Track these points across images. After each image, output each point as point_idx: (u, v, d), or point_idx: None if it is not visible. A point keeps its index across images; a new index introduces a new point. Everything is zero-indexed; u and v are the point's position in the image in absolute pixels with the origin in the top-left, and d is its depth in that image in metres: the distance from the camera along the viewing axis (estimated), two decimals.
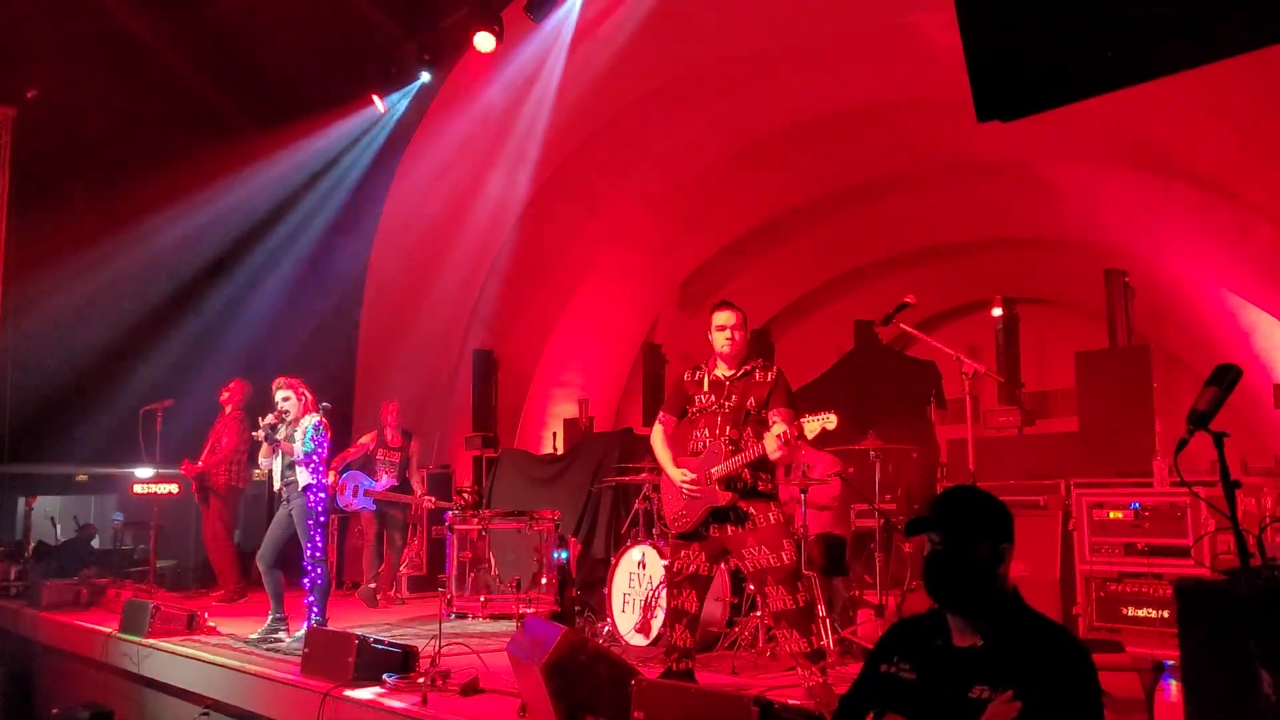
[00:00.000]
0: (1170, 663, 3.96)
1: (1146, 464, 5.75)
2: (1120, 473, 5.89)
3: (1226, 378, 2.37)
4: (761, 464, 4.57)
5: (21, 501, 11.28)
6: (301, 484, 6.33)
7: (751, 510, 4.54)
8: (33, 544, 10.51)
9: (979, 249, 10.45)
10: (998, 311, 9.05)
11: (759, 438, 4.50)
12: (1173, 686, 4.56)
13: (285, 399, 6.47)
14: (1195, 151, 7.27)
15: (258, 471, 8.49)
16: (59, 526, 11.01)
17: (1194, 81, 6.36)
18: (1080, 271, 9.21)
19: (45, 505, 11.38)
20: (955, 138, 8.52)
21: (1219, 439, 2.29)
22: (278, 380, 6.56)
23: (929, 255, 10.74)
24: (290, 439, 6.41)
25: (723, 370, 4.73)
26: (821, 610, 5.52)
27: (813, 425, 4.31)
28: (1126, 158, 7.83)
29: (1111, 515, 5.52)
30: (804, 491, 5.90)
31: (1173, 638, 5.02)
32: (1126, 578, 5.43)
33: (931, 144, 8.86)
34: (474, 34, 9.00)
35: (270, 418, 6.40)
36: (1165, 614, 5.19)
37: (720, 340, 4.69)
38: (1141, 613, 5.30)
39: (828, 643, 5.29)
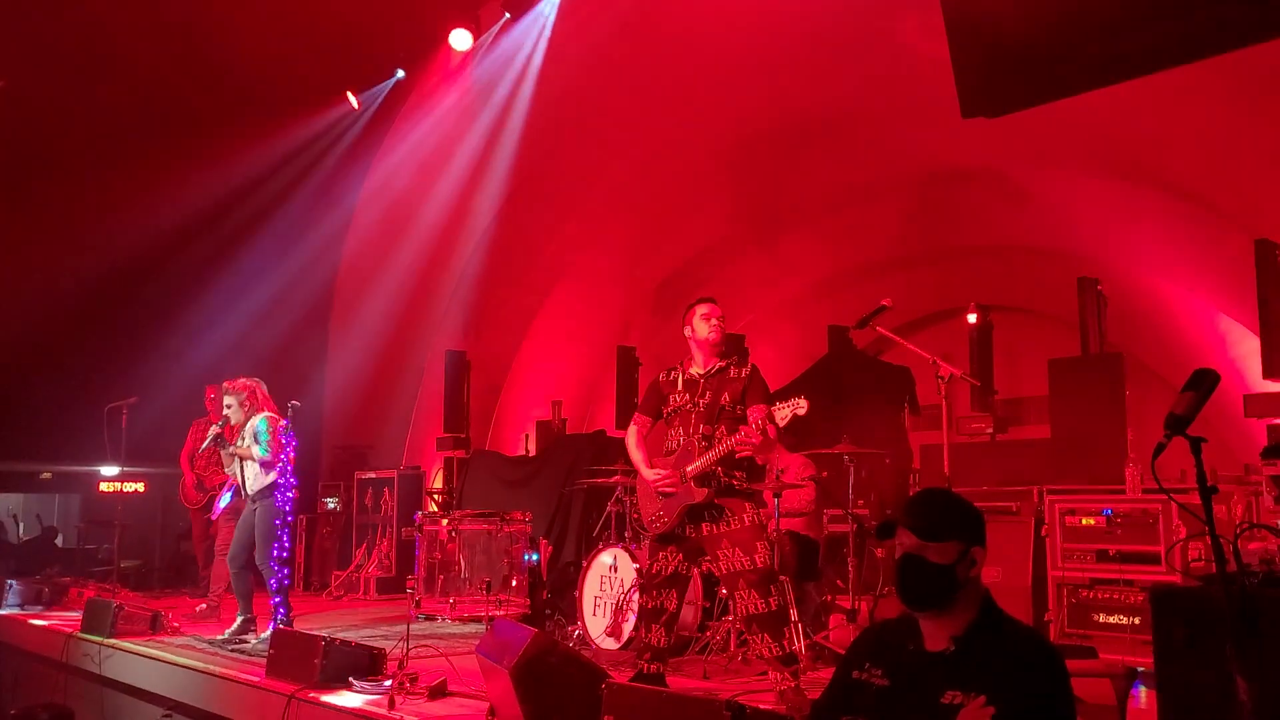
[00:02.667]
0: (1142, 669, 3.96)
1: (1119, 471, 5.77)
2: (1093, 479, 5.92)
3: (1205, 382, 2.36)
4: (736, 461, 4.53)
5: None
6: (264, 485, 6.26)
7: (728, 508, 4.51)
8: None
9: (953, 256, 10.49)
10: (972, 318, 9.09)
11: (732, 434, 4.47)
12: (1142, 693, 4.57)
13: (228, 406, 6.46)
14: (1167, 159, 7.33)
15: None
16: (21, 524, 10.82)
17: (1166, 88, 6.41)
18: (1053, 279, 9.25)
19: (7, 503, 11.18)
20: (930, 144, 8.55)
21: (1196, 444, 2.28)
22: (225, 384, 6.54)
23: (903, 262, 10.77)
24: (240, 442, 6.35)
25: (697, 369, 4.70)
26: (793, 615, 5.49)
27: (783, 412, 4.28)
28: (1100, 165, 7.89)
29: (1084, 522, 5.53)
30: (777, 495, 5.88)
31: (1144, 644, 5.07)
32: (1098, 584, 5.44)
33: (907, 150, 8.89)
34: (450, 31, 8.94)
35: (215, 427, 6.43)
36: (1137, 620, 5.20)
37: (705, 329, 4.66)
38: (1113, 619, 5.32)
39: (799, 647, 5.27)
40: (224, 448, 6.46)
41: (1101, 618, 5.37)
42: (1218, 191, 7.29)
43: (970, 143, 8.29)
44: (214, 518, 7.44)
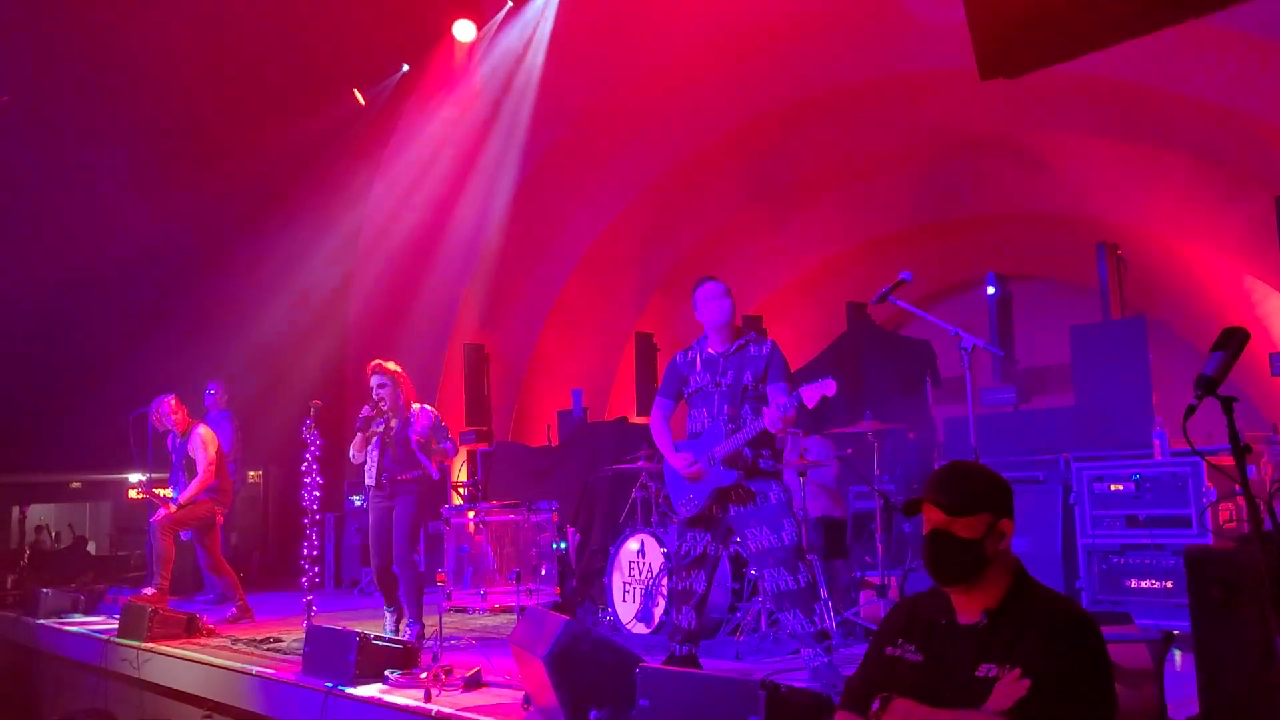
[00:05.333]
0: (1178, 633, 3.94)
1: (1145, 435, 5.73)
2: (1119, 445, 5.87)
3: (1234, 341, 2.32)
4: (762, 440, 4.53)
5: (15, 510, 11.22)
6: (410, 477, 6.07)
7: (755, 489, 4.50)
8: (28, 552, 10.46)
9: (969, 226, 10.42)
10: (991, 289, 9.01)
11: (758, 414, 4.45)
12: (1177, 656, 4.54)
13: (380, 386, 6.11)
14: (1184, 119, 7.25)
15: None
16: (54, 534, 10.95)
17: (1181, 48, 6.33)
18: (1072, 245, 9.18)
19: (40, 513, 11.32)
20: (941, 114, 8.48)
21: (1228, 404, 2.25)
22: (374, 363, 6.19)
23: (919, 234, 10.71)
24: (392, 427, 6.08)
25: (715, 347, 4.68)
26: (823, 592, 5.49)
27: (811, 393, 4.27)
28: (1116, 128, 7.81)
29: (1112, 488, 5.49)
30: (802, 475, 5.88)
31: (1177, 608, 5.05)
32: (1129, 549, 5.40)
33: (918, 121, 8.83)
34: (453, 23, 8.93)
35: (367, 408, 6.10)
36: (1169, 584, 5.17)
37: (712, 310, 4.63)
38: (1145, 584, 5.29)
39: (831, 624, 5.27)
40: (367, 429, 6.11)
41: (1133, 583, 5.34)
42: (1237, 150, 7.20)
43: (982, 110, 8.22)
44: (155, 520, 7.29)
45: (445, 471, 6.22)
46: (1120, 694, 2.38)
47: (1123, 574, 5.38)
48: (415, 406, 6.17)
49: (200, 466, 7.33)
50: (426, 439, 6.08)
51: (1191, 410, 2.32)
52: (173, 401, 7.58)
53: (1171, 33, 6.09)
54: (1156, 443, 5.58)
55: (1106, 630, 2.36)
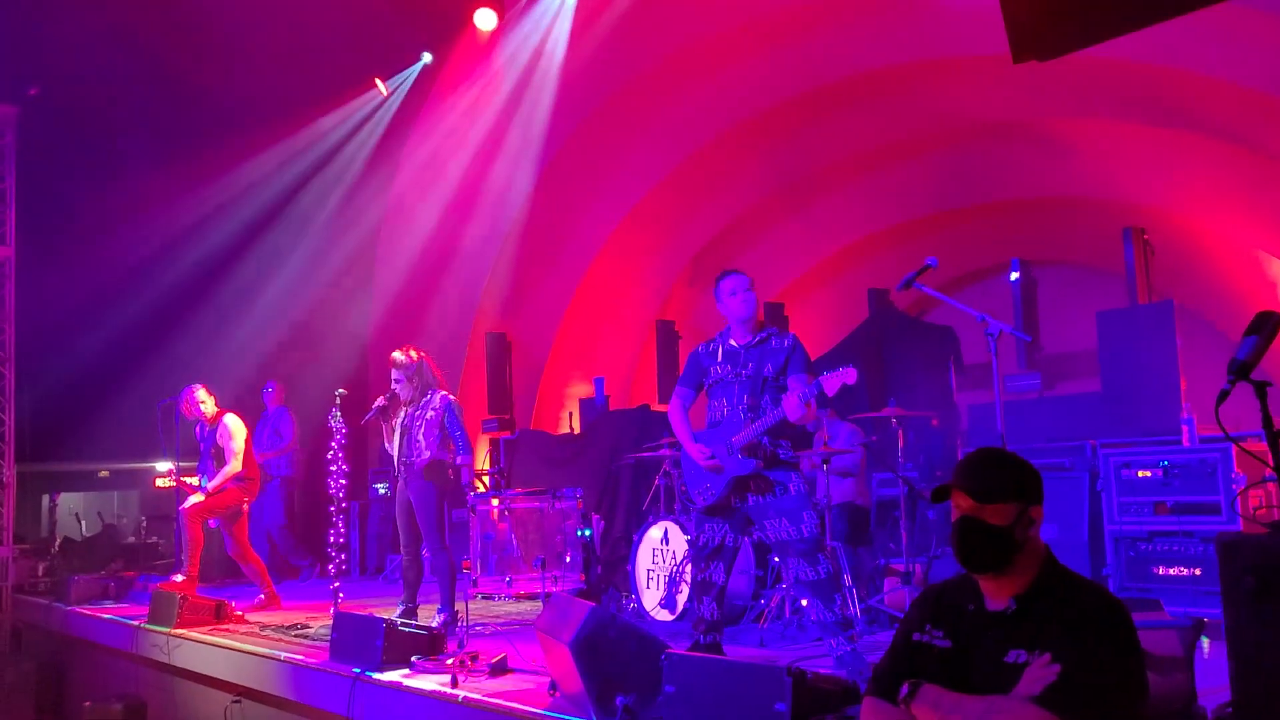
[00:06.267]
0: (1208, 620, 3.91)
1: (1174, 421, 5.68)
2: (1146, 431, 5.82)
3: (1267, 325, 2.30)
4: (781, 429, 4.52)
5: (46, 499, 11.37)
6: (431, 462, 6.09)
7: (774, 478, 4.50)
8: (59, 540, 10.60)
9: (992, 212, 10.33)
10: (1014, 275, 8.94)
11: (777, 404, 4.45)
12: (1205, 644, 4.51)
13: (396, 380, 6.17)
14: (1213, 102, 7.14)
15: None
16: (84, 522, 11.09)
17: (1209, 30, 6.25)
18: (1098, 230, 9.09)
19: (70, 502, 11.46)
20: (963, 99, 8.41)
21: (1262, 389, 2.23)
22: (394, 354, 6.25)
23: (942, 220, 10.63)
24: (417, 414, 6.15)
25: (737, 340, 4.68)
26: (847, 580, 5.49)
27: (832, 381, 4.25)
28: (1141, 112, 7.71)
29: (1140, 474, 5.45)
30: (826, 462, 5.87)
31: (1205, 595, 5.01)
32: (1157, 536, 5.36)
33: (942, 106, 8.75)
34: (474, 11, 8.93)
35: (382, 399, 6.19)
36: (1198, 571, 5.13)
37: (734, 304, 4.63)
38: (1173, 571, 5.25)
39: (855, 611, 5.26)
40: (386, 419, 6.20)
41: (1161, 570, 5.30)
42: (1266, 133, 7.10)
43: (1006, 95, 8.14)
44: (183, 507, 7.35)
45: (467, 459, 6.19)
46: (1151, 680, 2.37)
47: (1150, 561, 5.34)
48: (437, 393, 6.19)
49: (228, 455, 7.39)
50: (439, 424, 6.10)
51: (1224, 395, 2.31)
52: (201, 391, 7.64)
53: (1199, 14, 6.01)
54: (1185, 429, 5.53)
55: (1137, 617, 2.34)
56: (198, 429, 7.70)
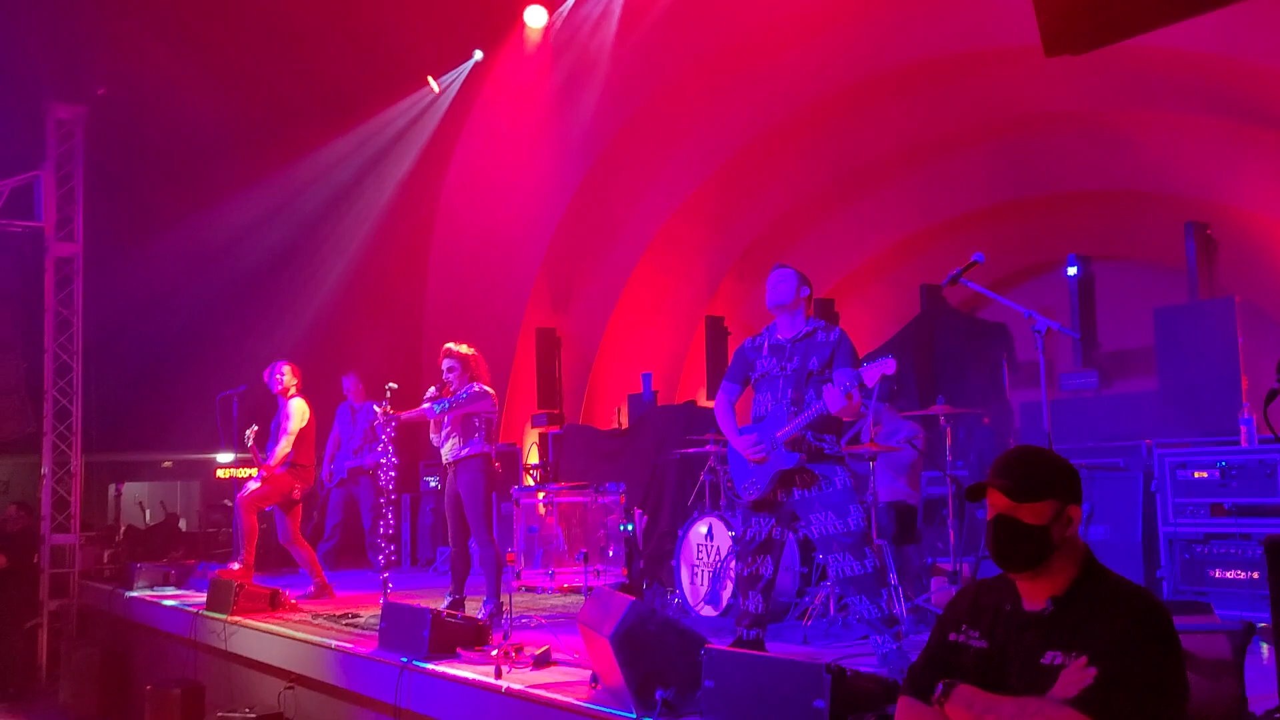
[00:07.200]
0: (1262, 624, 3.82)
1: (1232, 421, 5.54)
2: (1204, 431, 5.69)
3: None
4: (825, 424, 4.50)
5: (111, 488, 11.72)
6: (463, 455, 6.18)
7: (819, 472, 4.48)
8: (123, 528, 10.92)
9: (1049, 206, 10.14)
10: (1072, 270, 8.78)
11: (821, 398, 4.43)
12: (1264, 649, 4.40)
13: (448, 369, 6.28)
14: (1276, 93, 6.94)
15: None
16: (148, 511, 11.41)
17: (1272, 18, 6.06)
18: (1158, 225, 8.89)
19: (134, 491, 11.80)
20: (1017, 90, 8.26)
21: None
22: (447, 346, 6.37)
23: (997, 214, 10.46)
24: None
25: (784, 334, 4.67)
26: (893, 578, 5.44)
27: (871, 372, 4.22)
28: (1203, 102, 7.51)
29: (1196, 475, 5.32)
30: (873, 460, 5.82)
31: (1263, 599, 4.88)
32: (1212, 539, 5.24)
33: (996, 96, 8.61)
34: (525, 9, 8.99)
35: (432, 389, 6.27)
36: (1255, 575, 5.00)
37: (781, 295, 4.61)
38: (1229, 574, 5.12)
39: (901, 610, 5.22)
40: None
41: (1217, 573, 5.17)
42: None
43: (1062, 86, 7.99)
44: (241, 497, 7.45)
45: (489, 428, 6.24)
46: (1199, 685, 2.33)
47: (1206, 564, 5.22)
48: (474, 386, 6.26)
49: (280, 434, 7.43)
50: (463, 410, 6.13)
51: (1274, 395, 2.24)
52: (287, 367, 7.65)
53: (1264, 2, 5.84)
54: (1243, 429, 5.39)
55: (1185, 620, 2.30)
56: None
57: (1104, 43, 1.74)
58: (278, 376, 7.62)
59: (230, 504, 9.10)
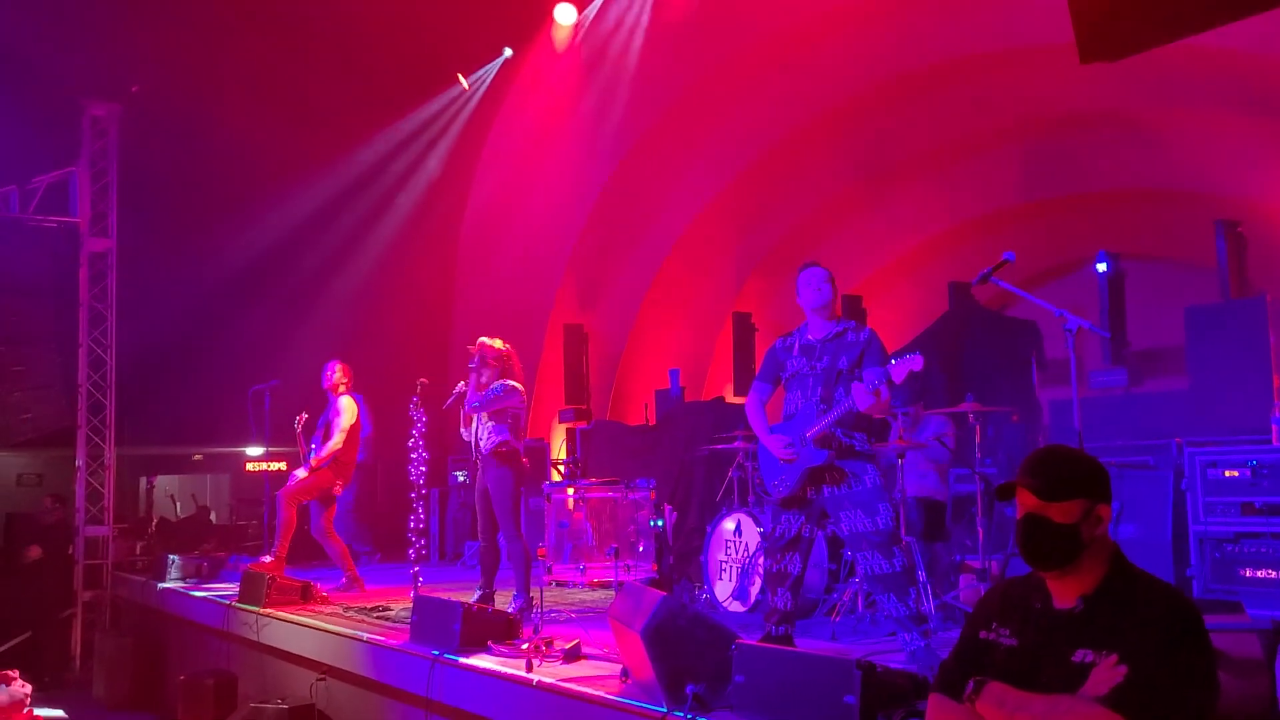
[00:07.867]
0: None
1: (1264, 420, 5.50)
2: (1235, 430, 5.65)
3: None
4: (854, 421, 4.52)
5: (143, 481, 11.89)
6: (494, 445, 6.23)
7: (849, 470, 4.51)
8: (155, 520, 11.08)
9: (1078, 204, 10.07)
10: (1102, 268, 8.72)
11: (850, 395, 4.45)
12: None
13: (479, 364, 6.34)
14: None
15: None
16: (179, 504, 11.57)
17: None
18: (1188, 223, 8.81)
19: (165, 484, 11.97)
20: (1047, 88, 8.21)
21: None
22: (480, 341, 6.44)
23: (1026, 212, 10.40)
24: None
25: (814, 334, 4.69)
26: (922, 575, 5.45)
27: (899, 370, 4.24)
28: (1235, 100, 7.44)
29: (1227, 474, 5.30)
30: (901, 457, 5.83)
31: None
32: (1243, 538, 5.21)
33: (1026, 94, 8.56)
34: (554, 6, 9.04)
35: (462, 384, 6.35)
36: None
37: (812, 296, 4.63)
38: (1260, 573, 5.10)
39: (929, 607, 5.23)
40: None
41: (1248, 572, 5.15)
42: None
43: (1091, 84, 7.93)
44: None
45: (517, 423, 6.29)
46: (1229, 684, 2.34)
47: (1237, 563, 5.20)
48: (505, 382, 6.30)
49: (333, 430, 7.53)
50: (495, 405, 6.18)
51: None
52: (340, 365, 7.79)
53: None
54: (1275, 427, 5.36)
55: (1215, 619, 2.31)
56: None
57: (1140, 49, 1.75)
58: (329, 373, 7.76)
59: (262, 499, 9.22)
